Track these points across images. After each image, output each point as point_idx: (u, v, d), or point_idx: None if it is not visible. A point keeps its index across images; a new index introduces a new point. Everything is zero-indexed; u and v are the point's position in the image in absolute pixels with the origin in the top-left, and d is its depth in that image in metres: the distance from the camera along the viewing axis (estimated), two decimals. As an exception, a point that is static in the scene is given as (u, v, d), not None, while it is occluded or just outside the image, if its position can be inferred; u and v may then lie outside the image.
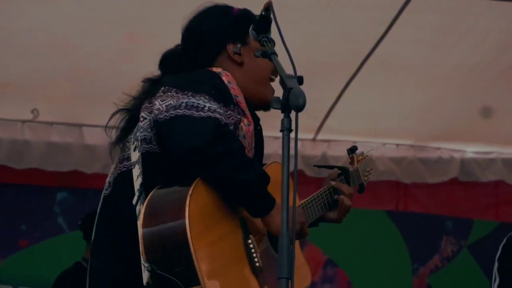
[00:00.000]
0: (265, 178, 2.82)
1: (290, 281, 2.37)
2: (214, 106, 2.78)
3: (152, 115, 2.85)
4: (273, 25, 2.76)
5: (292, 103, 2.50)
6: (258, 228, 2.91)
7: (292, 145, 2.48)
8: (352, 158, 3.62)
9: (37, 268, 7.31)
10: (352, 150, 3.63)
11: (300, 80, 2.60)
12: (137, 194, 2.80)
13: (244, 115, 2.98)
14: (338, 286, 7.77)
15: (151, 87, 3.03)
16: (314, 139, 7.29)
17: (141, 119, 2.94)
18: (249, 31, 2.85)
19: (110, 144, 3.03)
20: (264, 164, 3.07)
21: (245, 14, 3.15)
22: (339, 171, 3.42)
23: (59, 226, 7.46)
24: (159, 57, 3.17)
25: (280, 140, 2.52)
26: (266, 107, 3.16)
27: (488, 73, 6.14)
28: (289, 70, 2.64)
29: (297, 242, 3.08)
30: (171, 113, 2.75)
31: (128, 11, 5.47)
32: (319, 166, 3.95)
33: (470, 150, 7.46)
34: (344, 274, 7.76)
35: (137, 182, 2.83)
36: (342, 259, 7.77)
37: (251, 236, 2.84)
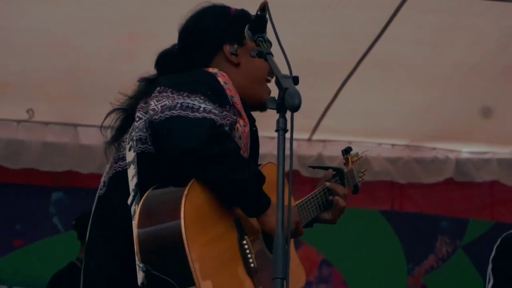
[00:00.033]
0: (261, 178, 2.82)
1: (285, 281, 2.37)
2: (209, 107, 2.78)
3: (147, 115, 2.84)
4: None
5: (287, 103, 2.49)
6: (253, 229, 2.91)
7: (287, 145, 2.48)
8: (346, 159, 3.61)
9: (32, 268, 7.30)
10: (346, 151, 3.63)
11: (295, 80, 2.58)
12: (132, 194, 2.80)
13: (240, 116, 2.97)
14: (333, 286, 7.77)
15: (147, 87, 3.01)
16: (309, 139, 7.29)
17: (137, 119, 2.93)
18: (245, 31, 2.84)
19: (105, 144, 3.02)
20: (260, 165, 3.06)
21: (243, 14, 3.14)
22: (334, 172, 3.42)
23: (54, 226, 7.46)
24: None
25: (276, 140, 2.52)
26: (262, 107, 3.16)
27: (488, 73, 6.14)
28: (286, 71, 2.63)
29: (291, 244, 3.08)
30: (166, 114, 2.75)
31: (128, 11, 5.46)
32: (314, 167, 3.92)
33: (466, 150, 7.47)
34: (339, 274, 7.76)
35: (132, 182, 2.82)
36: (338, 259, 7.77)
37: (246, 236, 2.84)
